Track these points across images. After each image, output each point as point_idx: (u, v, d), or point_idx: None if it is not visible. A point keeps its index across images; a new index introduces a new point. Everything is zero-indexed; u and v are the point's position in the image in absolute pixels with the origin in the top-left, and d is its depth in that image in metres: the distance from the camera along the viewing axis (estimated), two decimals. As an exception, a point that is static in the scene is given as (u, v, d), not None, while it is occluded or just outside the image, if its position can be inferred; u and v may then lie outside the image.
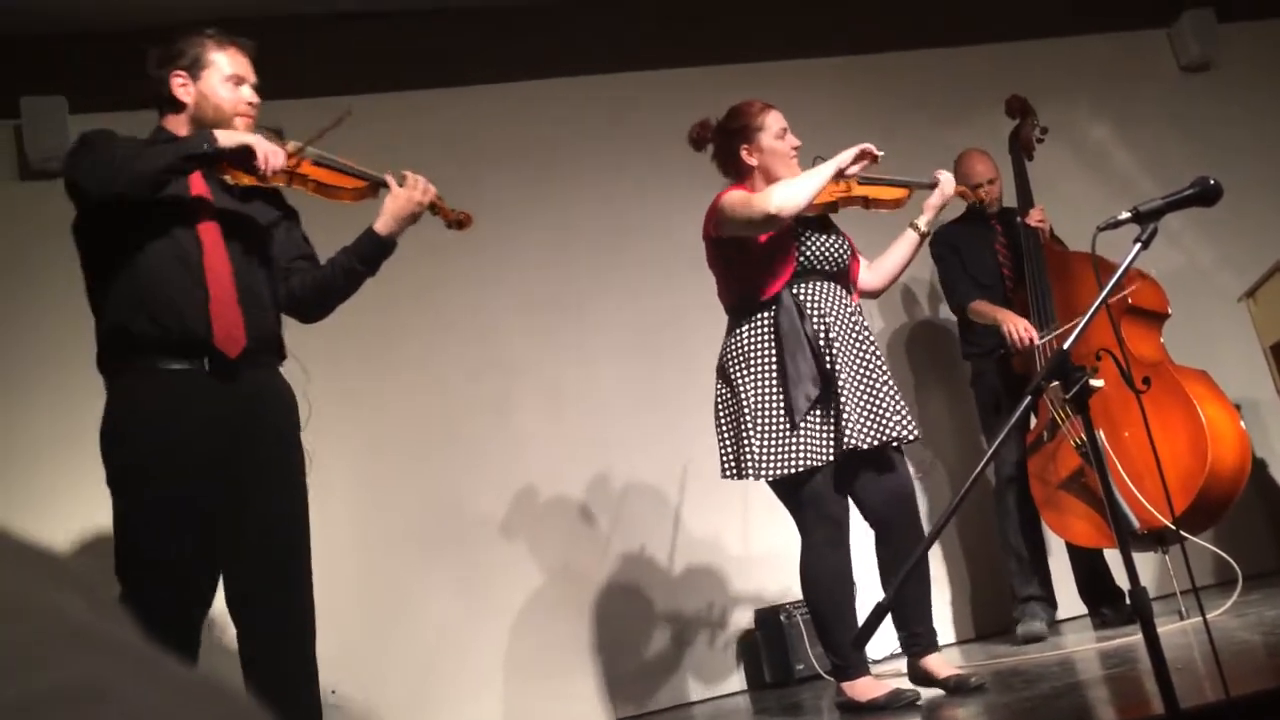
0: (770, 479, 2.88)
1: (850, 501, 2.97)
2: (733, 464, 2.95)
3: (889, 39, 5.14)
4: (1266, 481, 4.87)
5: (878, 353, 2.99)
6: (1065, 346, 2.03)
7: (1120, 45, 5.38)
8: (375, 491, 4.16)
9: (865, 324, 3.03)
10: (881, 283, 3.18)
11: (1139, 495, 3.38)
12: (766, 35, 5.01)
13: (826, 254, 3.00)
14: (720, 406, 3.01)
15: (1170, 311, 3.93)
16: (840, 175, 2.94)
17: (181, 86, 2.42)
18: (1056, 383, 2.43)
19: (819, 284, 2.96)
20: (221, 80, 2.43)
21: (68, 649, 0.36)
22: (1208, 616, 3.14)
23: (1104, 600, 3.90)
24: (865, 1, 5.18)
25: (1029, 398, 2.13)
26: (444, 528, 4.18)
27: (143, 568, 2.23)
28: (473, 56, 4.71)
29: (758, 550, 4.32)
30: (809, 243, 2.98)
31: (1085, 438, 2.65)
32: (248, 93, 2.46)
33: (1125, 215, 2.14)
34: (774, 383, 2.87)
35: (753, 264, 2.96)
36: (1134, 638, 3.07)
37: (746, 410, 2.88)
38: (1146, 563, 3.59)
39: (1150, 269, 3.84)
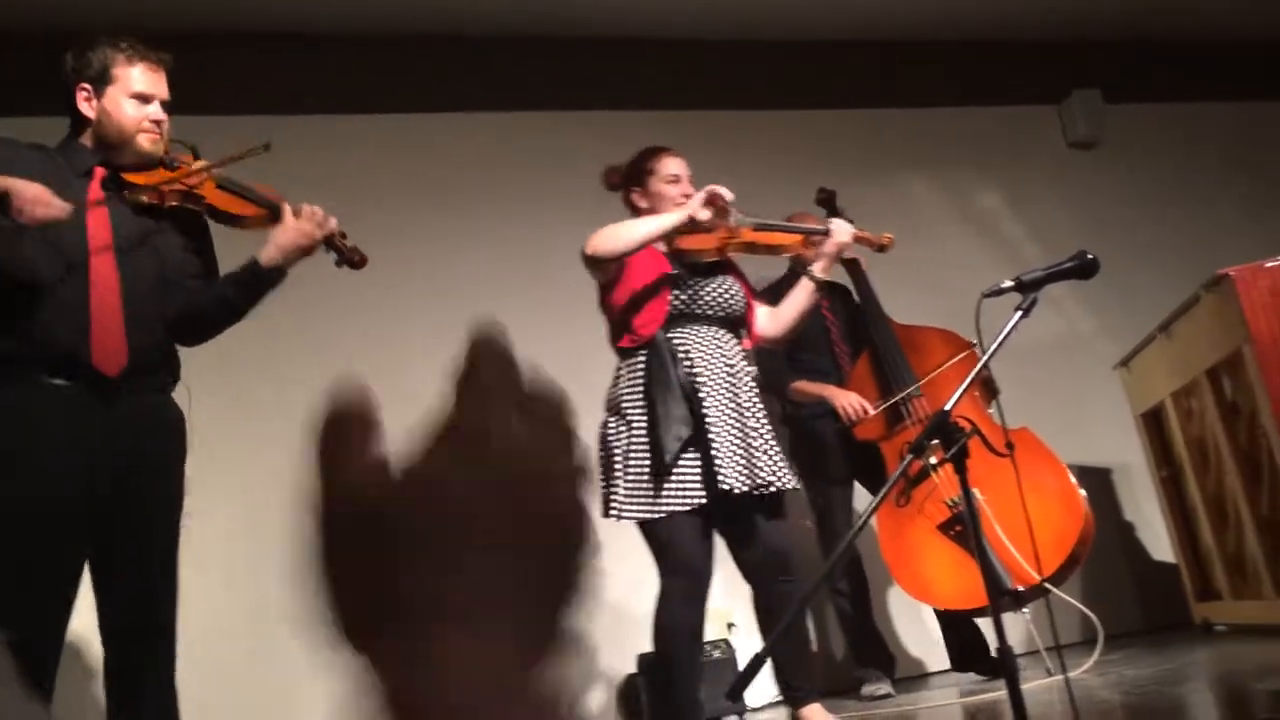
0: (633, 519, 2.84)
1: (718, 550, 2.94)
2: (603, 506, 2.90)
3: (797, 99, 5.29)
4: (1132, 544, 5.06)
5: (757, 401, 2.95)
6: (947, 406, 2.10)
7: (1012, 119, 5.62)
8: (258, 535, 4.05)
9: (750, 371, 3.00)
10: (781, 330, 3.14)
11: (1015, 553, 3.44)
12: (707, 85, 5.12)
13: (712, 300, 2.97)
14: (598, 451, 2.97)
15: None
16: (695, 222, 2.85)
17: (85, 101, 2.37)
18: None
19: (699, 329, 2.94)
20: (126, 97, 2.37)
21: None
22: (1070, 675, 3.26)
23: (979, 662, 3.90)
24: (770, 63, 5.32)
25: (910, 456, 2.20)
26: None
27: None
28: (402, 85, 4.70)
29: (644, 593, 4.31)
30: (692, 288, 2.95)
31: (960, 498, 2.71)
32: (154, 109, 2.39)
33: (1008, 284, 2.24)
34: (644, 427, 2.84)
35: (627, 307, 2.95)
36: (1000, 694, 3.16)
37: (618, 451, 2.87)
38: (1015, 620, 3.68)
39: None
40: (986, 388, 3.90)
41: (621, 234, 2.89)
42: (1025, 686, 1.98)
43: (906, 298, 4.31)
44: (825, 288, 4.20)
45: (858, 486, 4.07)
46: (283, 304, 4.03)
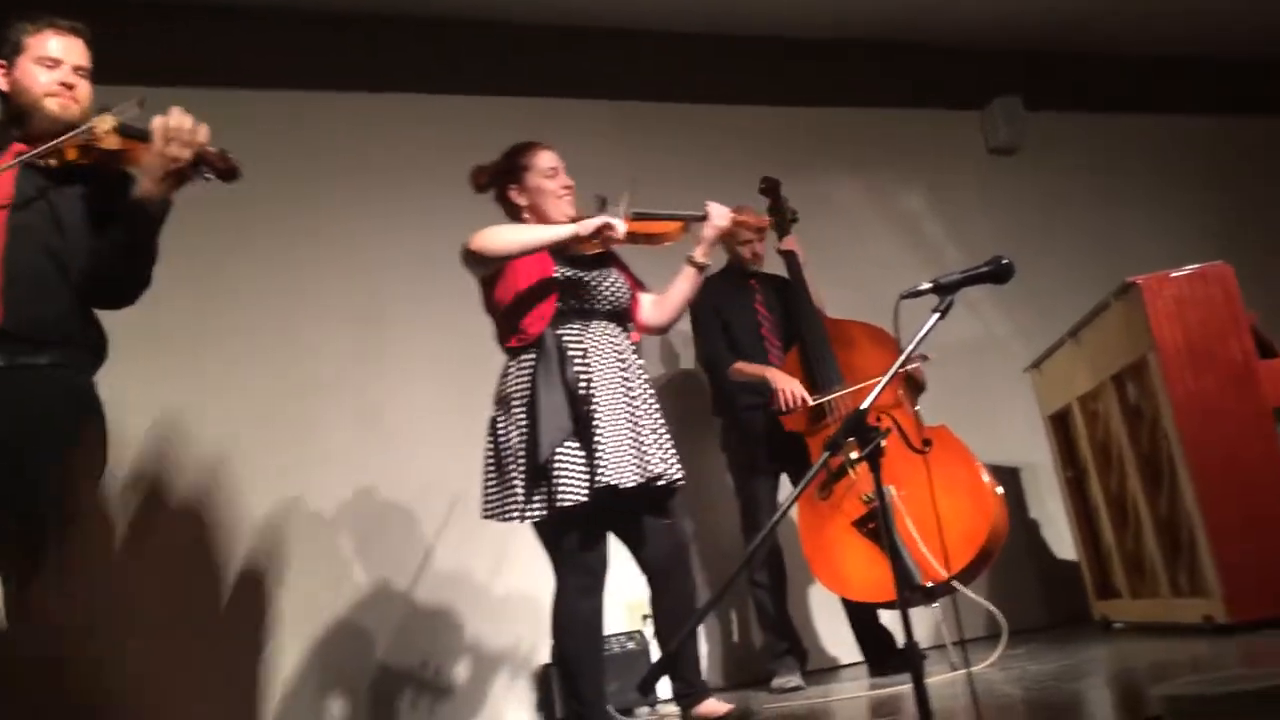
0: (515, 520, 2.82)
1: (614, 548, 2.96)
2: (496, 505, 2.88)
3: (726, 94, 5.30)
4: (1037, 542, 5.19)
5: (649, 393, 2.97)
6: (864, 406, 2.13)
7: (935, 123, 5.71)
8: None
9: (640, 364, 3.01)
10: (665, 319, 3.14)
11: (925, 550, 3.49)
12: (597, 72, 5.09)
13: (598, 294, 2.97)
14: (487, 447, 2.95)
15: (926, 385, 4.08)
16: (580, 240, 2.89)
17: (3, 76, 2.41)
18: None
19: (587, 324, 2.94)
20: (33, 62, 2.39)
21: None
22: (974, 669, 3.33)
23: (886, 655, 3.95)
24: (700, 57, 5.33)
25: (826, 453, 2.23)
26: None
27: None
28: (297, 61, 4.60)
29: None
30: (577, 283, 2.94)
31: (874, 495, 2.75)
32: (62, 73, 2.40)
33: (926, 286, 2.27)
34: (528, 424, 2.83)
35: (513, 307, 2.92)
36: (905, 687, 3.22)
37: (508, 452, 2.85)
38: (923, 614, 3.74)
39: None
40: (912, 385, 3.95)
41: (508, 237, 2.90)
42: (930, 680, 2.03)
43: (829, 294, 4.35)
44: (761, 281, 4.27)
45: (785, 480, 4.11)
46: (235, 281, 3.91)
